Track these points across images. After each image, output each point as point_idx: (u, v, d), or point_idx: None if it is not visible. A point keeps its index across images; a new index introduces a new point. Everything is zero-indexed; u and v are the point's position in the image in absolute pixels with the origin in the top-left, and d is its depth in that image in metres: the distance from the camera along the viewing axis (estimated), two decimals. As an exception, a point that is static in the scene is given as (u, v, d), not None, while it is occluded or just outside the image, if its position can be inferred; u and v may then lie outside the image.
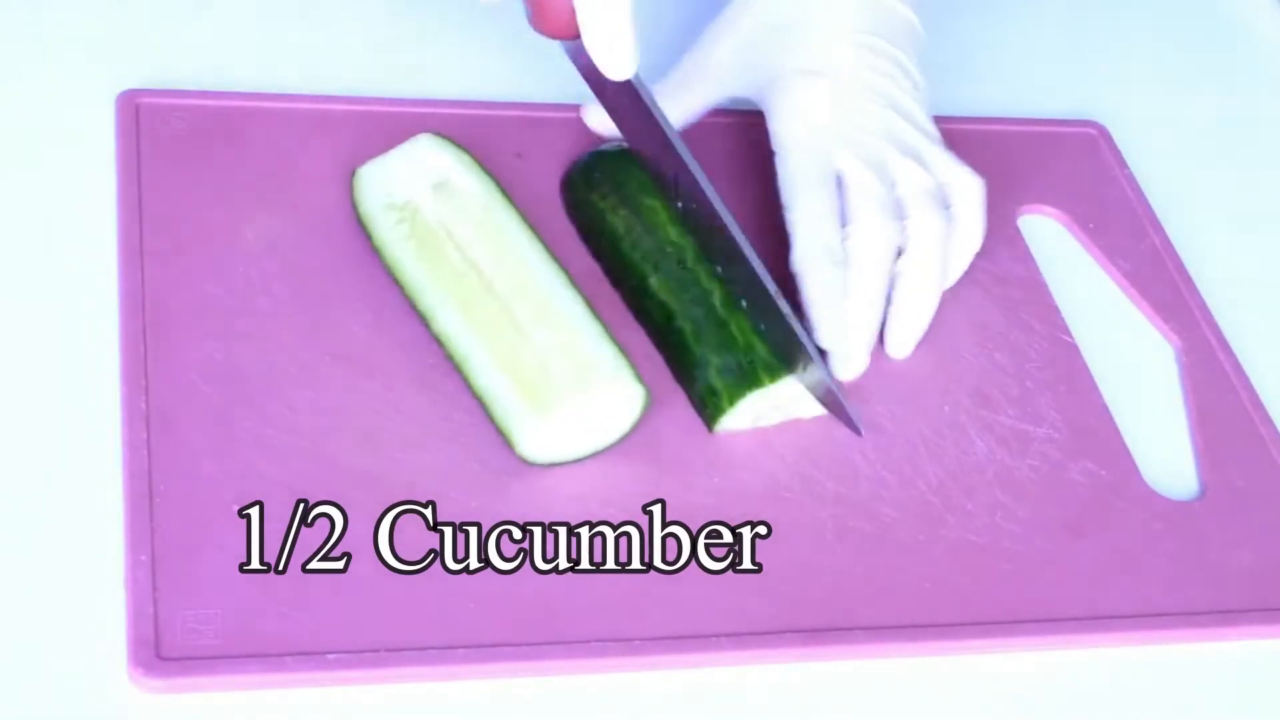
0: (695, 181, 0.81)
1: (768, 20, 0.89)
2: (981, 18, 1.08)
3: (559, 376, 0.76)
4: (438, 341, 0.79)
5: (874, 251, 0.83)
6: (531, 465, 0.76)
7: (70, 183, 0.84)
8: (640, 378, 0.76)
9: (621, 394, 0.76)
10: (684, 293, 0.81)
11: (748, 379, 0.79)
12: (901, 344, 0.85)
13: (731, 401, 0.79)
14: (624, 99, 0.82)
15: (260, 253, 0.82)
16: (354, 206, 0.84)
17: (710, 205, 0.81)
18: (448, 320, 0.79)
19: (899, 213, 0.84)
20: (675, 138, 0.82)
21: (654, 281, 0.82)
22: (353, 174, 0.84)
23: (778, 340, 0.80)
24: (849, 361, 0.82)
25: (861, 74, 0.87)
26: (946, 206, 0.86)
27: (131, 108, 0.87)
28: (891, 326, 0.85)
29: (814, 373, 0.79)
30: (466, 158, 0.84)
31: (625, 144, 0.87)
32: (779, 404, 0.80)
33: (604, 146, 0.88)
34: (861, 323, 0.83)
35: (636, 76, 0.81)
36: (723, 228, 0.80)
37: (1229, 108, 1.07)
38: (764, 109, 0.88)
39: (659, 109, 0.82)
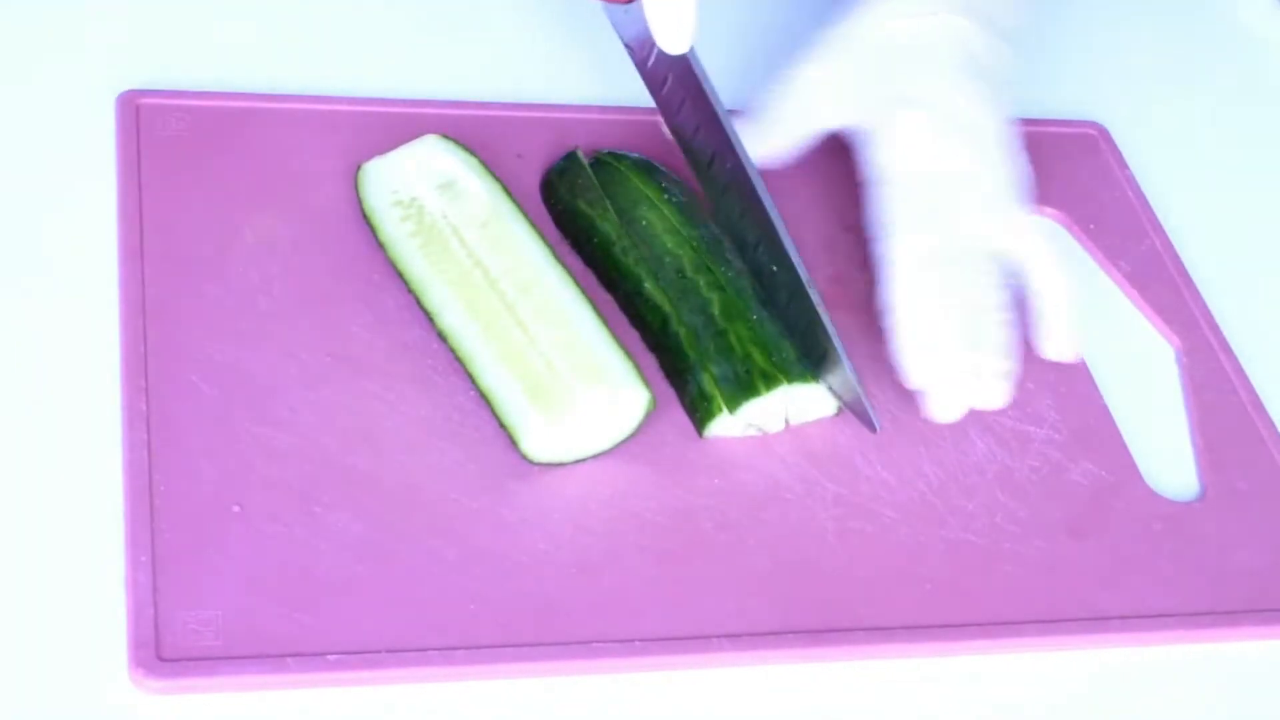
0: (739, 162, 0.81)
1: (867, 51, 0.88)
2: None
3: (566, 377, 0.76)
4: (442, 338, 0.79)
5: (969, 295, 0.81)
6: (533, 465, 0.76)
7: (70, 183, 0.84)
8: (645, 381, 0.76)
9: (627, 397, 0.76)
10: (683, 301, 0.81)
11: (744, 388, 0.79)
12: (1062, 350, 0.84)
13: (721, 408, 0.79)
14: (672, 73, 0.82)
15: (260, 253, 0.82)
16: (359, 201, 0.84)
17: (753, 188, 0.80)
18: (453, 318, 0.79)
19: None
20: (726, 117, 0.81)
21: (649, 286, 0.82)
22: (357, 169, 0.84)
23: (805, 333, 0.79)
24: (941, 408, 0.81)
25: (957, 109, 0.86)
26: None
27: (131, 108, 0.87)
28: (1042, 336, 0.84)
29: (840, 373, 0.79)
30: (473, 160, 0.84)
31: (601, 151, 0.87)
32: (779, 412, 0.80)
33: (576, 150, 0.88)
34: (952, 369, 0.80)
35: (692, 50, 0.81)
36: (763, 213, 0.80)
37: (1229, 108, 1.07)
38: (860, 137, 0.87)
39: (711, 85, 0.81)
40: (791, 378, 0.79)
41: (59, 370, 0.76)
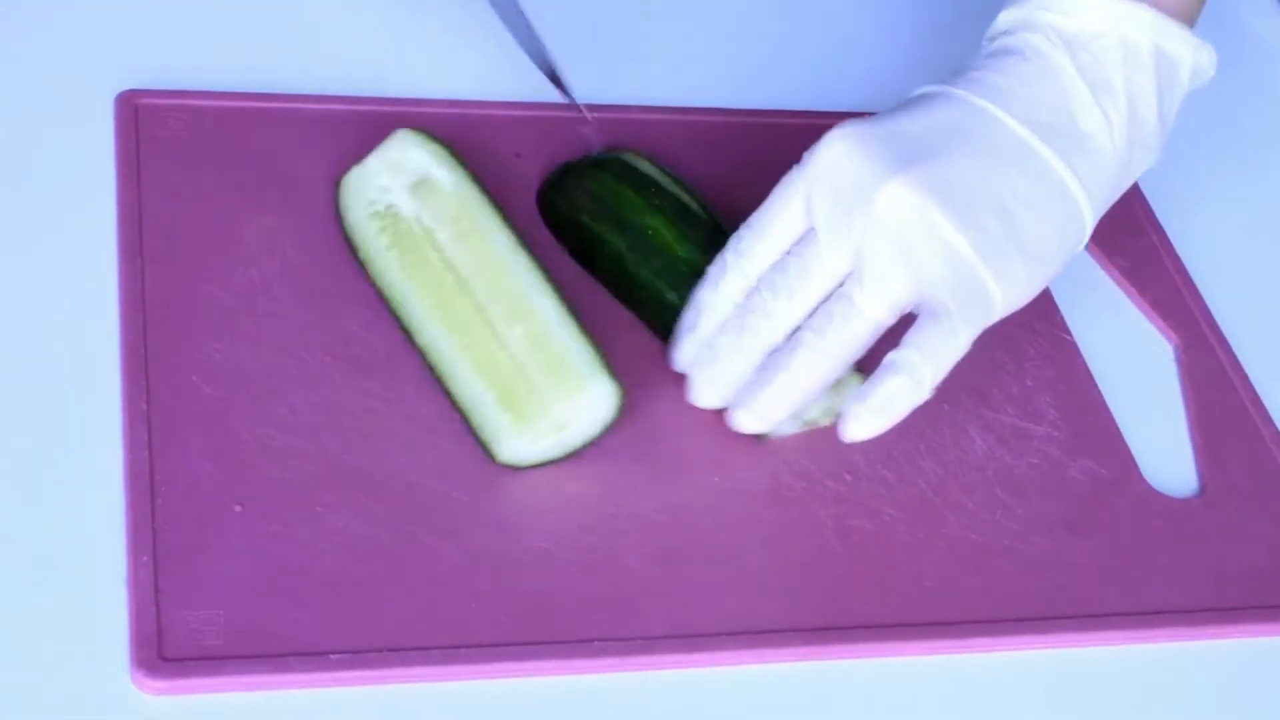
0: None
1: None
2: (982, 17, 1.08)
3: (535, 378, 0.76)
4: (422, 355, 0.79)
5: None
6: (517, 470, 0.76)
7: (70, 183, 0.84)
8: (614, 373, 0.76)
9: (596, 391, 0.76)
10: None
11: None
12: (847, 429, 0.76)
13: None
14: None
15: (260, 253, 0.82)
16: (340, 217, 0.83)
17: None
18: (430, 333, 0.78)
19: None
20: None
21: (671, 296, 0.81)
22: (337, 184, 0.84)
23: None
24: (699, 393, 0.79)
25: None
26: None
27: (131, 108, 0.87)
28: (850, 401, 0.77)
29: None
30: (444, 152, 0.83)
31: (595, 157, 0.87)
32: (827, 404, 0.80)
33: (573, 161, 0.87)
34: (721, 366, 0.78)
35: None
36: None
37: (1228, 106, 1.07)
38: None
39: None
40: None
41: (59, 370, 0.77)
